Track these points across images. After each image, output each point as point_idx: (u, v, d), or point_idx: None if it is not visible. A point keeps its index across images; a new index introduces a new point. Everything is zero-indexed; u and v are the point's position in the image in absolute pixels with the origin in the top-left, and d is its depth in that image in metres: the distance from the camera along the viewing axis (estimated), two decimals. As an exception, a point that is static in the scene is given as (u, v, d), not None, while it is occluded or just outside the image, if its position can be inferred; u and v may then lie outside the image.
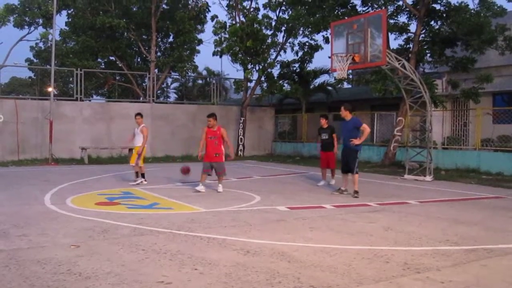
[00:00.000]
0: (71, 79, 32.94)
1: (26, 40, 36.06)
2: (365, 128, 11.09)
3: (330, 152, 13.72)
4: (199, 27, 29.64)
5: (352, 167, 11.37)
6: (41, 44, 36.20)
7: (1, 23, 32.90)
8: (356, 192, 11.30)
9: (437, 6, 19.91)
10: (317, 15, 21.63)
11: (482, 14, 18.29)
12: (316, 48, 26.57)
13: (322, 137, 13.85)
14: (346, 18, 18.47)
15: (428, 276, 5.19)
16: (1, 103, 21.00)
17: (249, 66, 25.63)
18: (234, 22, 26.53)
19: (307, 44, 26.70)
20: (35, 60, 36.58)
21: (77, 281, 4.84)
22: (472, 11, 18.65)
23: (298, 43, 26.86)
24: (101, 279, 4.91)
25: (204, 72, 41.27)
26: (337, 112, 25.48)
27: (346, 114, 11.48)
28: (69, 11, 29.03)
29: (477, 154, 17.81)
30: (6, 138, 20.67)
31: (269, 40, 25.97)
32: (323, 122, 13.93)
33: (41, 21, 29.94)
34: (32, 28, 32.30)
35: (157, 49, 29.53)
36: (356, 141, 11.09)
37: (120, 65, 29.52)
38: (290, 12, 25.69)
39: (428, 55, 20.95)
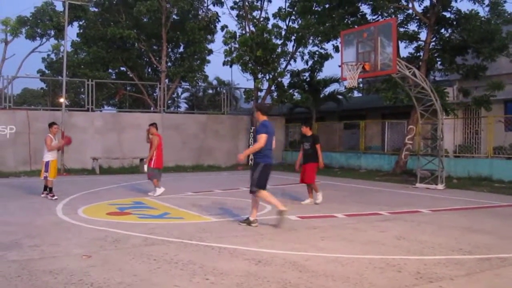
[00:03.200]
0: (82, 89, 33.17)
1: (38, 52, 36.40)
2: (258, 139, 8.45)
3: (308, 164, 11.63)
4: (209, 37, 29.75)
5: (252, 183, 8.68)
6: (52, 56, 36.58)
7: (14, 35, 33.28)
8: (252, 222, 8.55)
9: (447, 14, 19.90)
10: (327, 24, 21.66)
11: (492, 22, 18.23)
12: (326, 57, 26.56)
13: (304, 146, 11.81)
14: (356, 26, 18.49)
15: (441, 286, 5.15)
16: (14, 114, 21.18)
17: (259, 76, 25.67)
18: (244, 32, 26.64)
19: (317, 53, 26.71)
20: (47, 71, 36.94)
21: (89, 291, 4.85)
22: (483, 18, 18.60)
23: (308, 52, 26.90)
24: (113, 289, 4.91)
25: (215, 82, 41.38)
26: (348, 121, 25.67)
27: (258, 115, 8.91)
28: (80, 23, 29.29)
29: (489, 162, 17.68)
30: (19, 148, 20.83)
31: (279, 50, 26.02)
32: (306, 130, 11.84)
33: (52, 32, 30.22)
34: (44, 40, 32.62)
35: (168, 60, 29.68)
36: (240, 156, 9.00)
37: (131, 75, 29.70)
38: (300, 21, 25.75)
39: (439, 63, 20.89)
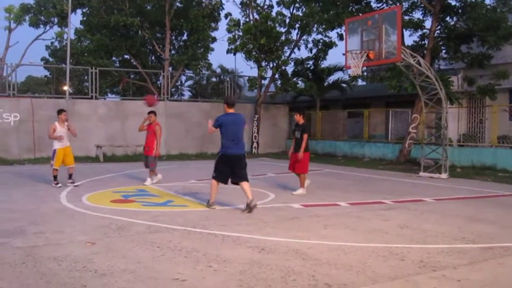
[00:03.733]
0: (86, 77, 33.20)
1: (42, 39, 36.50)
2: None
3: (298, 153, 11.35)
4: (213, 25, 29.61)
5: None
6: (56, 43, 36.65)
7: (17, 22, 33.31)
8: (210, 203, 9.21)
9: (453, 2, 19.74)
10: (331, 12, 21.54)
11: (498, 10, 18.08)
12: (330, 45, 26.48)
13: (296, 135, 11.59)
14: (360, 14, 18.36)
15: (444, 274, 5.15)
16: (18, 102, 21.20)
17: (263, 64, 25.62)
18: (248, 20, 26.52)
19: (321, 41, 26.62)
20: (50, 59, 36.98)
21: (93, 278, 4.88)
22: (488, 6, 18.46)
23: (312, 40, 26.83)
24: (117, 276, 4.94)
25: (218, 70, 41.29)
26: (352, 109, 25.61)
27: (224, 108, 9.30)
28: (84, 10, 29.22)
29: (493, 151, 17.63)
30: (23, 136, 20.87)
31: (283, 38, 25.93)
32: (298, 118, 11.62)
33: (56, 20, 30.25)
34: (48, 27, 32.69)
35: (171, 47, 29.57)
36: None
37: (134, 63, 29.64)
38: (304, 9, 25.64)
39: (444, 51, 20.78)
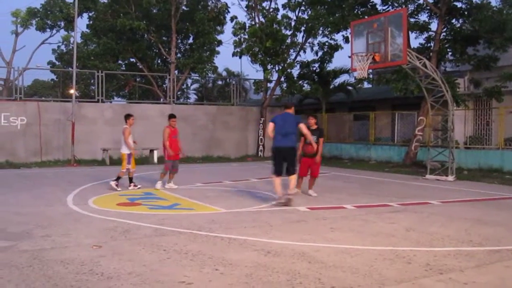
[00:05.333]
0: (92, 81, 33.28)
1: (48, 43, 36.87)
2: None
3: (315, 158, 11.50)
4: (218, 28, 29.67)
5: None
6: (63, 47, 36.82)
7: (24, 26, 33.54)
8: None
9: (459, 4, 19.69)
10: (337, 15, 21.54)
11: (504, 12, 18.02)
12: (336, 47, 26.42)
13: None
14: (366, 17, 18.37)
15: (451, 277, 5.14)
16: (24, 106, 21.28)
17: (269, 67, 25.59)
18: (253, 23, 26.53)
19: (326, 44, 26.58)
20: (57, 63, 37.16)
21: (100, 281, 4.89)
22: (494, 8, 18.40)
23: (317, 43, 26.77)
24: (123, 279, 4.95)
25: (224, 73, 41.38)
26: (358, 112, 25.58)
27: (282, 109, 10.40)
28: (90, 14, 29.34)
29: (500, 154, 17.56)
30: (29, 139, 20.94)
31: (289, 40, 25.92)
32: (312, 123, 11.79)
33: (62, 24, 30.40)
34: (54, 31, 32.88)
35: (177, 51, 29.64)
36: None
37: (140, 66, 29.74)
38: (310, 12, 25.62)
39: (450, 53, 20.71)
